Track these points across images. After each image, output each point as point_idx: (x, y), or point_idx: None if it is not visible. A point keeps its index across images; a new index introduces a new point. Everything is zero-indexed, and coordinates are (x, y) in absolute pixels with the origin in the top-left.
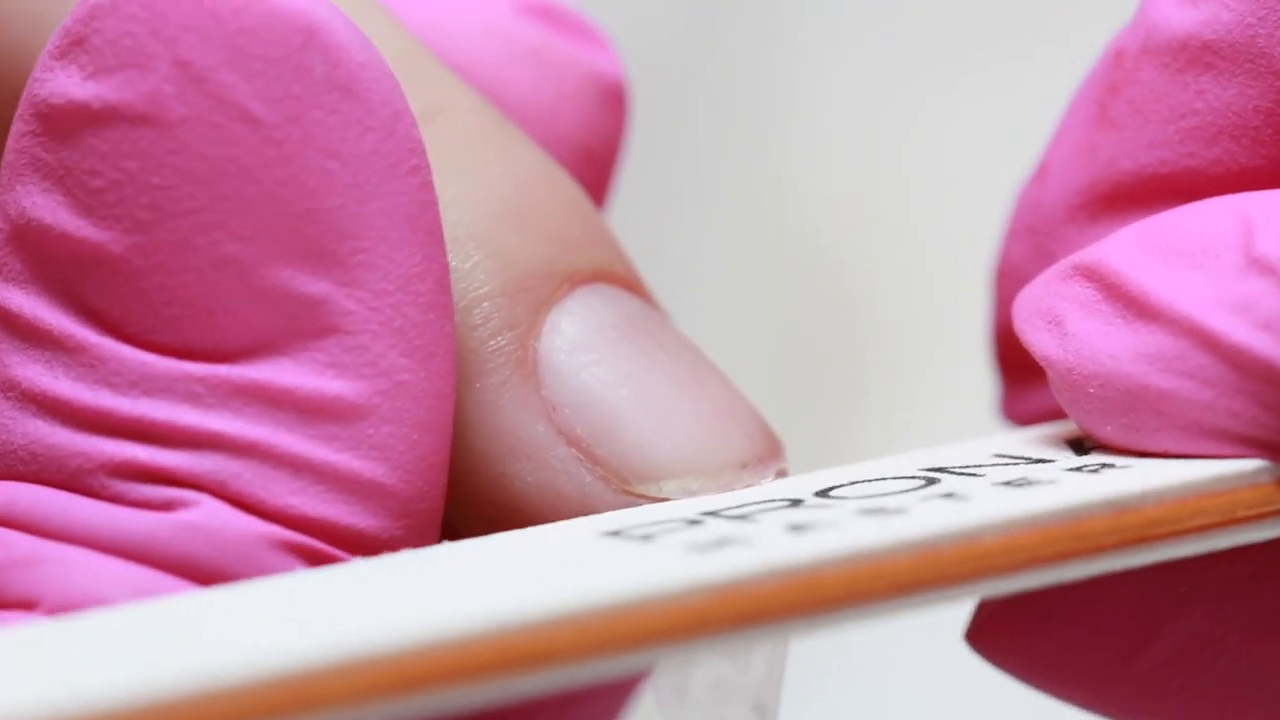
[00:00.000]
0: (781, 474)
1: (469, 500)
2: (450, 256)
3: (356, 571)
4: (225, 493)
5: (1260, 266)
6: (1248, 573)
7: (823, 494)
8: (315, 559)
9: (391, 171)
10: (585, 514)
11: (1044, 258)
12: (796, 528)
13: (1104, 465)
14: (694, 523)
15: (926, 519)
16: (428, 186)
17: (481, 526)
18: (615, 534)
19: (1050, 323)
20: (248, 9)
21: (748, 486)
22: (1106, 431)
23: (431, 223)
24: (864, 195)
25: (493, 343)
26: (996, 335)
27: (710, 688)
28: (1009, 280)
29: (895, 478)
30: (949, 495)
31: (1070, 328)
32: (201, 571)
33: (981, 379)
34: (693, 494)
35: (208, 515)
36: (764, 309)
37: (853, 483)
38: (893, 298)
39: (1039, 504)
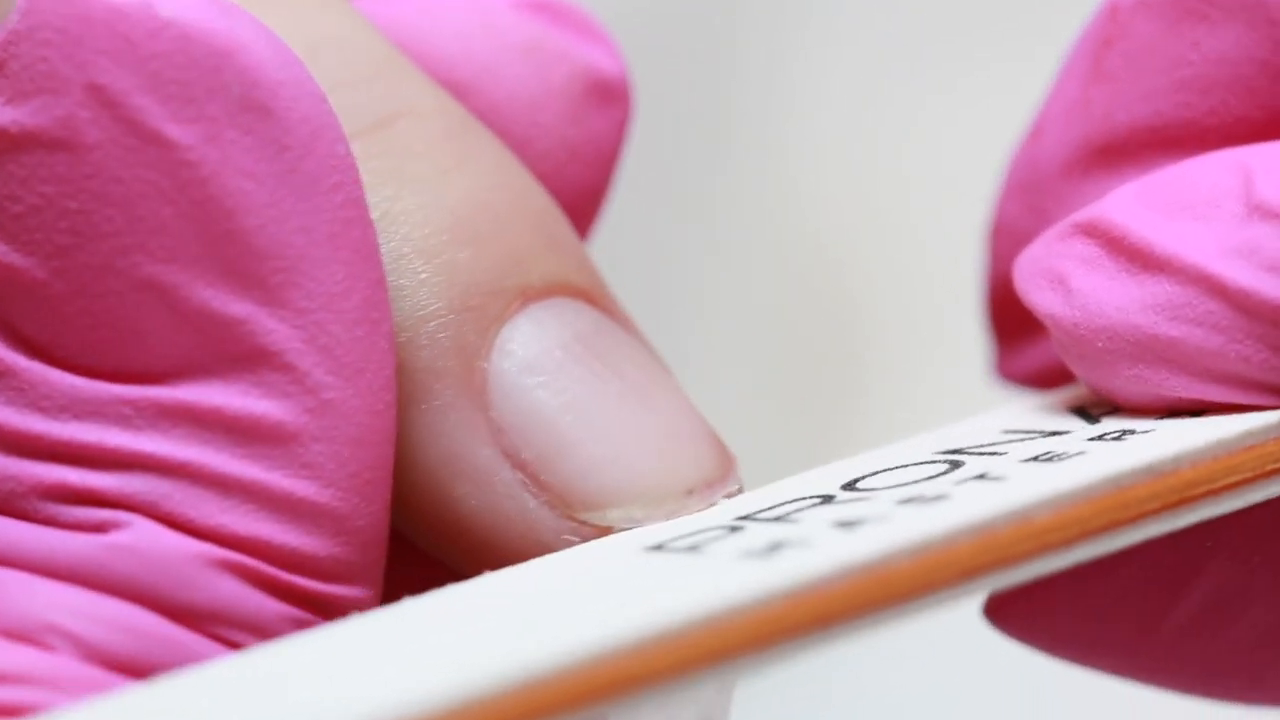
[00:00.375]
0: (733, 495)
1: (418, 521)
2: (399, 273)
3: (406, 614)
4: (157, 513)
5: (1262, 212)
6: (1270, 522)
7: (850, 487)
8: (253, 578)
9: (310, 190)
10: (529, 539)
11: (1039, 215)
12: (845, 524)
13: (1124, 432)
14: (734, 529)
15: (974, 503)
16: (353, 203)
17: (433, 546)
18: (658, 548)
19: (1053, 281)
20: (162, 32)
21: (695, 512)
22: (1117, 385)
23: (357, 239)
24: (864, 195)
25: (439, 363)
26: (990, 293)
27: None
28: (1003, 238)
29: (916, 464)
30: (982, 477)
31: (1074, 284)
32: (138, 592)
33: (981, 378)
34: (638, 522)
35: (140, 536)
36: (764, 309)
37: (874, 473)
38: (893, 298)
39: (1079, 477)
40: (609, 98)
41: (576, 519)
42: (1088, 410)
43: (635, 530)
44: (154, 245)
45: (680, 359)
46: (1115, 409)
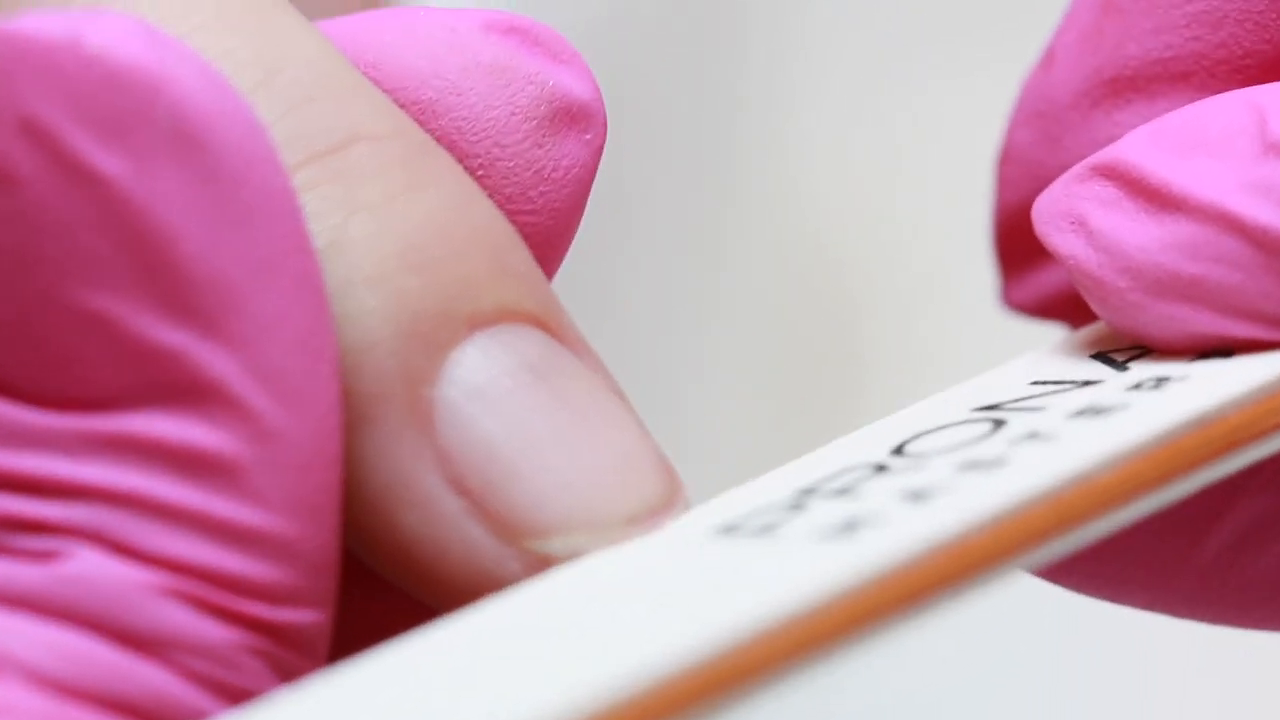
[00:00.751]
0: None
1: (367, 546)
2: (346, 300)
3: (522, 617)
4: (103, 542)
5: (1278, 150)
6: None
7: (899, 452)
8: (202, 604)
9: (246, 220)
10: (473, 567)
11: (1050, 143)
12: (914, 497)
13: (1160, 379)
14: (796, 506)
15: (1036, 467)
16: (291, 232)
17: (384, 571)
18: (728, 531)
19: (1074, 224)
20: (93, 64)
21: (639, 539)
22: (1144, 326)
23: (296, 268)
24: (864, 195)
25: (385, 390)
26: (998, 221)
27: None
28: (1013, 166)
29: (957, 424)
30: (1033, 436)
31: (1094, 226)
32: (87, 620)
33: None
34: (581, 551)
35: (87, 565)
36: (764, 309)
37: (917, 435)
38: (893, 298)
39: (1133, 433)
40: (578, 121)
41: (520, 547)
42: (1110, 355)
43: (701, 510)
44: (91, 276)
45: (680, 360)
46: (1141, 352)
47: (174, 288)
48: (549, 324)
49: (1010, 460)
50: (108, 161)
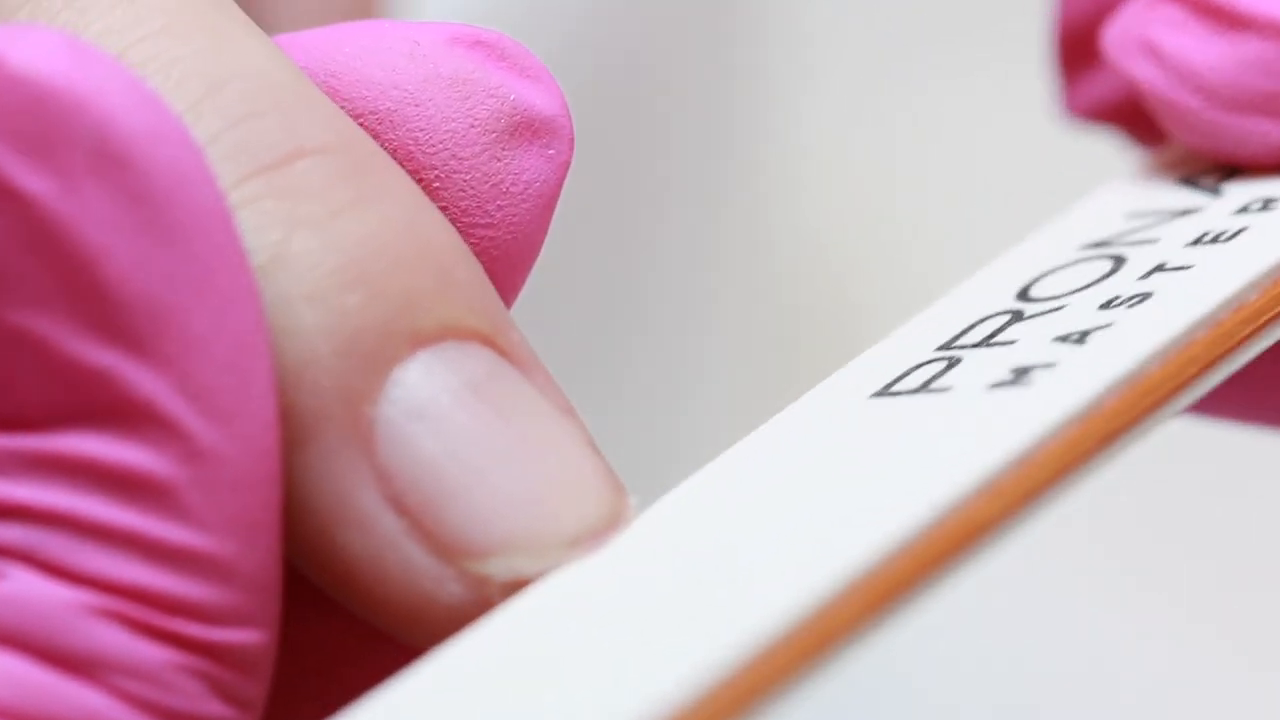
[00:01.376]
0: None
1: (308, 566)
2: (285, 317)
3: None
4: (34, 562)
5: None
6: None
7: (1025, 297)
8: (135, 624)
9: (173, 238)
10: (412, 587)
11: None
12: (1070, 338)
13: (1266, 200)
14: (950, 361)
15: (1184, 298)
16: (220, 249)
17: (327, 590)
18: (888, 393)
19: (1145, 50)
20: (15, 83)
21: (578, 560)
22: (1223, 143)
23: (226, 286)
24: (866, 196)
25: (324, 408)
26: (1060, 31)
27: None
28: None
29: (1074, 264)
30: (1163, 268)
31: (1166, 49)
32: (18, 641)
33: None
34: (519, 572)
35: (17, 585)
36: (761, 311)
37: (1036, 279)
38: (893, 301)
39: (1268, 254)
40: (541, 135)
41: (459, 567)
42: (1196, 180)
43: (840, 382)
44: (19, 296)
45: (679, 361)
46: (1227, 173)
47: (101, 307)
48: (496, 341)
49: (1154, 293)
50: (32, 180)
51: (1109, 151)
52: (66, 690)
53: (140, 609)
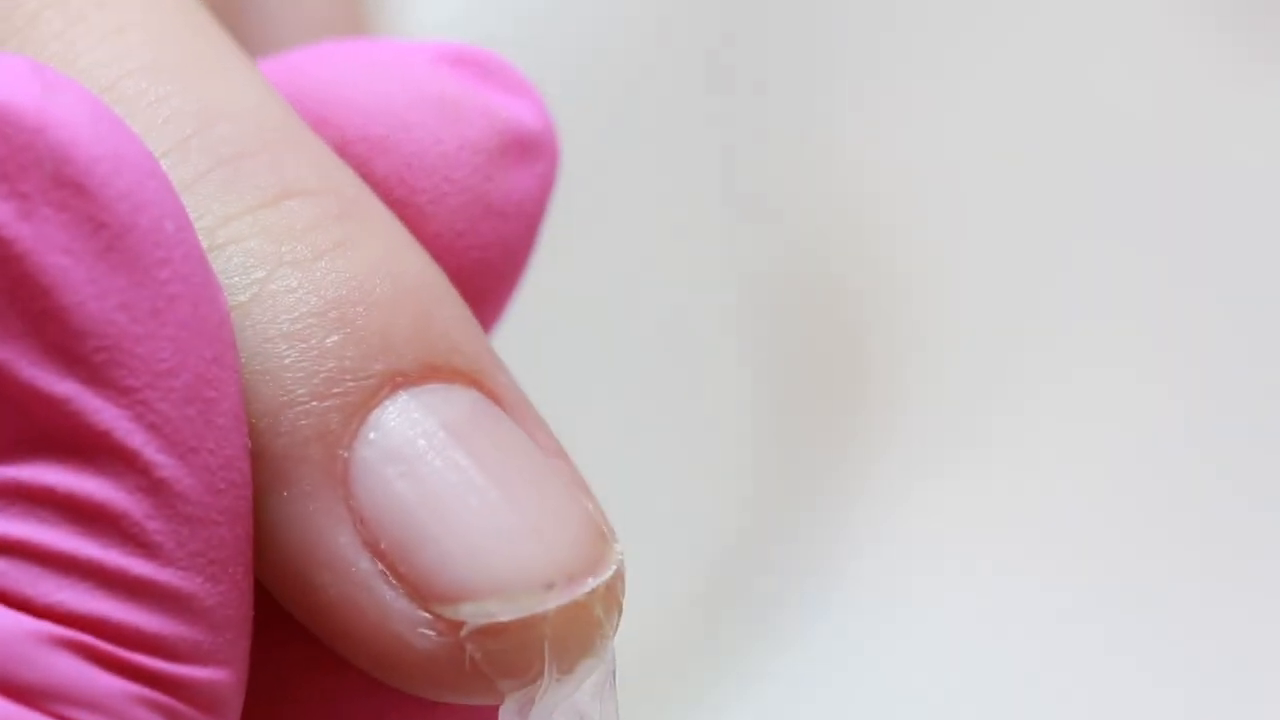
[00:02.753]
0: (610, 586)
1: (290, 607)
2: (265, 357)
3: None
4: None
5: None
6: None
7: None
8: (94, 656)
9: (131, 266)
10: (385, 630)
11: None
12: None
13: None
14: None
15: None
16: (181, 279)
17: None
18: None
19: None
20: None
21: (556, 606)
22: None
23: (185, 316)
24: (872, 197)
25: (301, 450)
26: None
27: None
28: None
29: None
30: None
31: None
32: None
33: (983, 382)
34: (493, 617)
35: None
36: (768, 308)
37: None
38: (898, 304)
39: None
40: (529, 153)
41: (433, 611)
42: None
43: None
44: None
45: (684, 364)
46: None
47: (59, 335)
48: (482, 382)
49: None
50: None
51: (1103, 149)
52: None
53: (101, 641)
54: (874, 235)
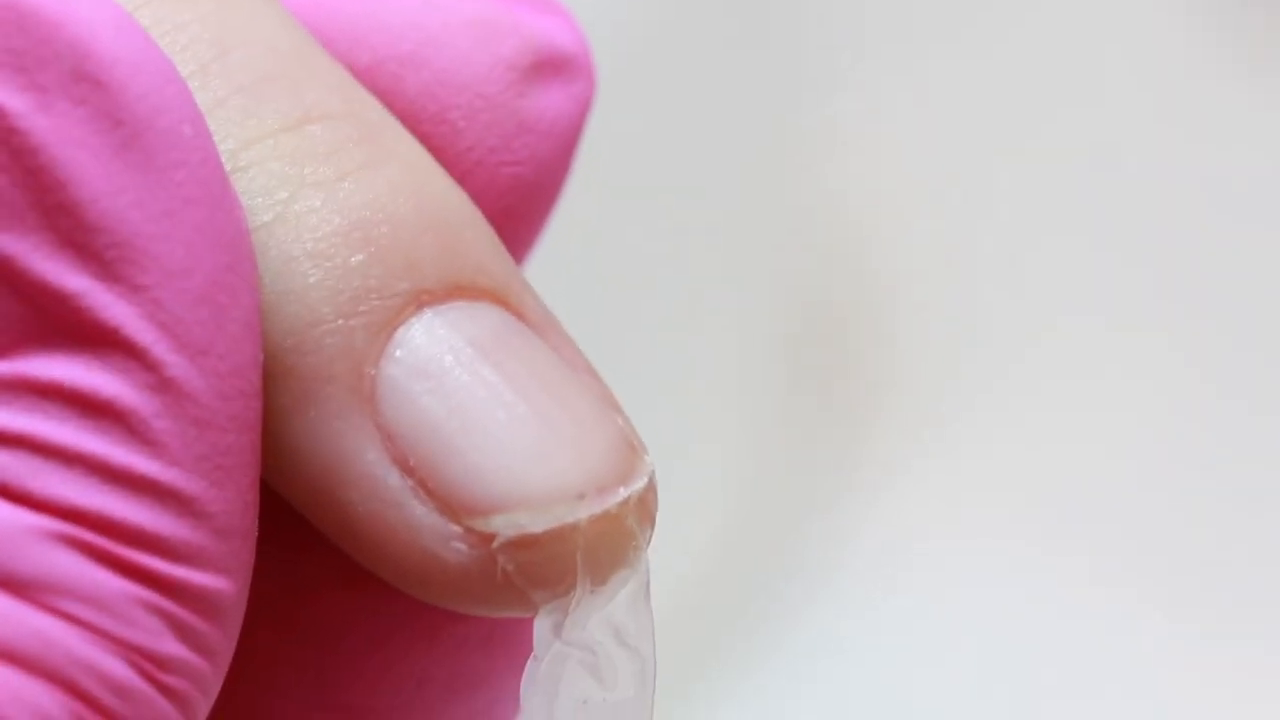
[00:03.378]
0: (643, 498)
1: (321, 527)
2: (289, 277)
3: None
4: None
5: None
6: None
7: None
8: (93, 552)
9: (147, 165)
10: (416, 545)
11: None
12: None
13: None
14: None
15: None
16: (197, 182)
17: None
18: None
19: None
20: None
21: (589, 517)
22: None
23: (201, 220)
24: (872, 194)
25: (327, 369)
26: None
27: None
28: None
29: None
30: None
31: None
32: None
33: (979, 378)
34: (524, 529)
35: None
36: (767, 306)
37: None
38: (897, 297)
39: None
40: (564, 72)
41: (463, 525)
42: None
43: None
44: None
45: (678, 358)
46: None
47: (74, 230)
48: (507, 300)
49: None
50: (8, 96)
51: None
52: (16, 613)
53: (100, 537)
54: (872, 233)
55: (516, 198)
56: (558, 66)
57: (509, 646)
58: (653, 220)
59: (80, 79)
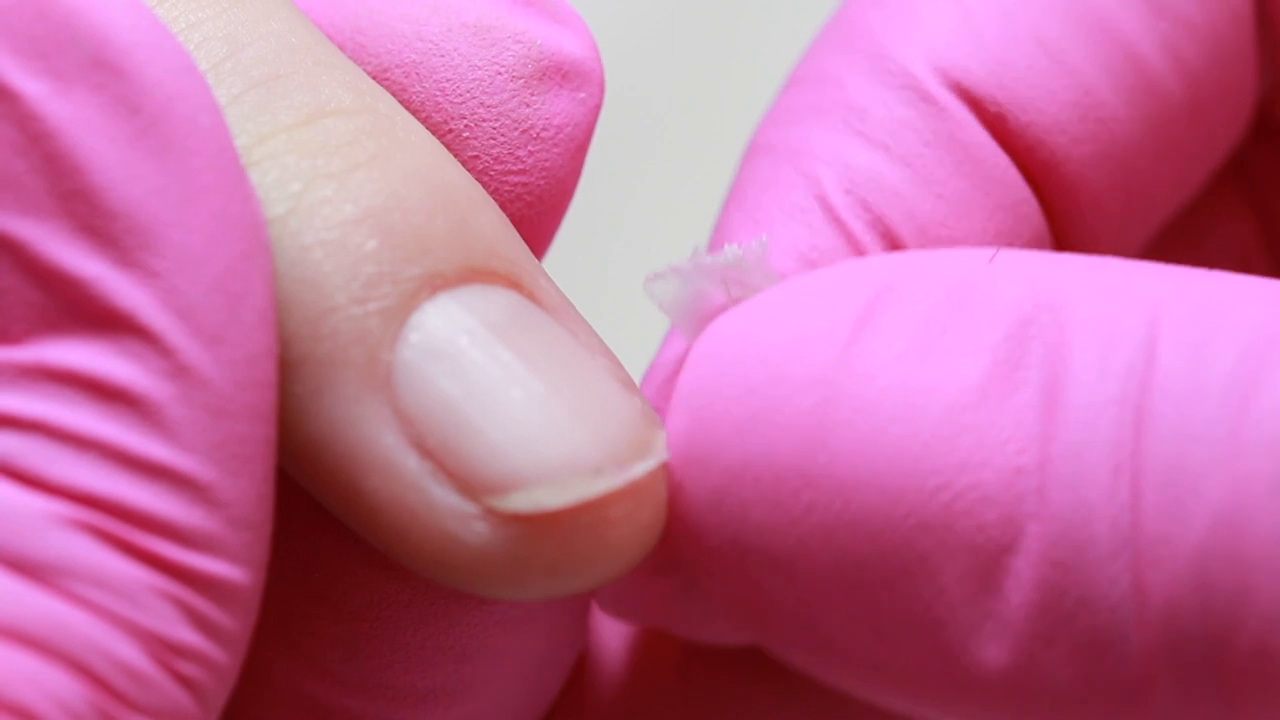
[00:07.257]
0: (655, 473)
1: (338, 512)
2: (304, 266)
3: None
4: (7, 470)
5: None
6: None
7: None
8: (107, 537)
9: (164, 153)
10: (438, 528)
11: None
12: None
13: None
14: None
15: None
16: (213, 169)
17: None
18: None
19: None
20: None
21: (607, 492)
22: None
23: (217, 208)
24: None
25: (342, 355)
26: None
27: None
28: None
29: None
30: None
31: None
32: None
33: None
34: (543, 506)
35: None
36: None
37: None
38: None
39: None
40: (570, 79)
41: (483, 504)
42: None
43: None
44: (6, 199)
45: None
46: None
47: (90, 215)
48: (521, 283)
49: None
50: (27, 82)
51: None
52: (27, 597)
53: (114, 523)
54: None
55: (524, 205)
56: (564, 74)
57: (547, 618)
58: (654, 220)
59: (99, 66)
